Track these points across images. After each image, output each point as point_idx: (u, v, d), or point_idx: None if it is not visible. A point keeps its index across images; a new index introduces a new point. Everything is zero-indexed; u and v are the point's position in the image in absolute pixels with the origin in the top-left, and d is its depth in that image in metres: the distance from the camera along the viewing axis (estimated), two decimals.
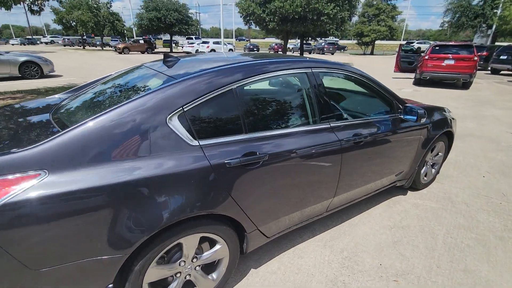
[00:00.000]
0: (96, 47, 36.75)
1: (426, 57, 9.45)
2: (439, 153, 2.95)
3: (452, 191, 2.89)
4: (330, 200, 1.96)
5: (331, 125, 1.82)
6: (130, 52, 26.56)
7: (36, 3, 7.49)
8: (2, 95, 6.68)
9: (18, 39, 45.31)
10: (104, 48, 31.40)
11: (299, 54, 21.11)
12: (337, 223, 2.35)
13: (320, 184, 1.81)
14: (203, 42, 25.76)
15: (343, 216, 2.44)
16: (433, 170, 3.00)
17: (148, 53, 27.59)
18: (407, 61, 11.66)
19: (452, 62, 9.07)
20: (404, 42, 37.11)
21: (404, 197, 2.78)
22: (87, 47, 36.16)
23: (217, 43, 24.51)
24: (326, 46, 33.76)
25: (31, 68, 9.76)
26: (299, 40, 27.30)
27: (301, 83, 1.84)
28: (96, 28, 28.79)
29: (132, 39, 28.42)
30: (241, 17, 12.78)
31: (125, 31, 31.51)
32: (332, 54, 33.38)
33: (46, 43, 46.13)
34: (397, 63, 11.84)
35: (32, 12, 7.75)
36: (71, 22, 29.34)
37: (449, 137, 2.91)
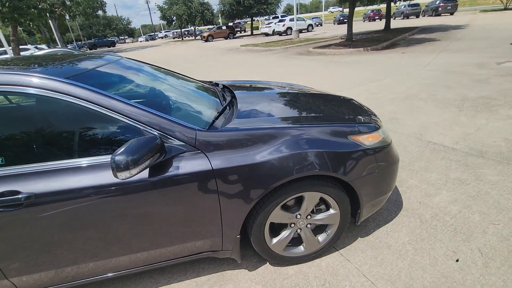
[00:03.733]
0: (194, 37, 41.31)
1: None
2: (331, 210, 1.66)
3: (344, 281, 1.60)
4: None
5: None
6: (214, 39, 28.50)
7: (71, 11, 8.86)
8: None
9: (144, 36, 56.36)
10: (196, 38, 34.93)
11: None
12: None
13: None
14: (280, 21, 24.67)
15: None
16: (324, 236, 1.74)
17: (230, 38, 28.85)
18: None
19: None
20: None
21: (244, 274, 1.73)
22: (186, 38, 41.18)
23: (297, 19, 22.96)
24: (442, 4, 26.38)
25: None
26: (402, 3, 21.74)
27: None
28: (189, 20, 32.18)
29: (216, 26, 30.22)
30: None
31: (213, 19, 33.96)
32: (452, 14, 25.81)
33: (161, 37, 55.48)
34: None
35: (71, 17, 9.24)
36: (172, 16, 33.87)
37: (346, 184, 1.58)
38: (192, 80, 2.52)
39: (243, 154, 1.39)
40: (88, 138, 1.35)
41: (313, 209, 1.66)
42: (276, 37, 22.43)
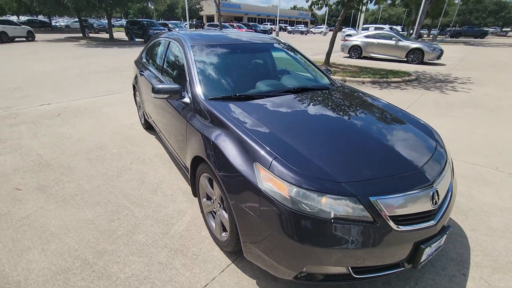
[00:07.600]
0: None
1: None
2: (226, 213, 1.72)
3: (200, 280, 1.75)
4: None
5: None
6: None
7: None
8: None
9: None
10: None
11: None
12: None
13: None
14: None
15: None
16: (225, 235, 1.85)
17: None
18: None
19: None
20: None
21: (187, 197, 2.33)
22: None
23: None
24: None
25: (415, 54, 11.69)
26: None
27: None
28: None
29: None
30: None
31: None
32: None
33: None
34: None
35: None
36: None
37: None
38: (305, 70, 2.87)
39: (202, 121, 1.95)
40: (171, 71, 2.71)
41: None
42: None
